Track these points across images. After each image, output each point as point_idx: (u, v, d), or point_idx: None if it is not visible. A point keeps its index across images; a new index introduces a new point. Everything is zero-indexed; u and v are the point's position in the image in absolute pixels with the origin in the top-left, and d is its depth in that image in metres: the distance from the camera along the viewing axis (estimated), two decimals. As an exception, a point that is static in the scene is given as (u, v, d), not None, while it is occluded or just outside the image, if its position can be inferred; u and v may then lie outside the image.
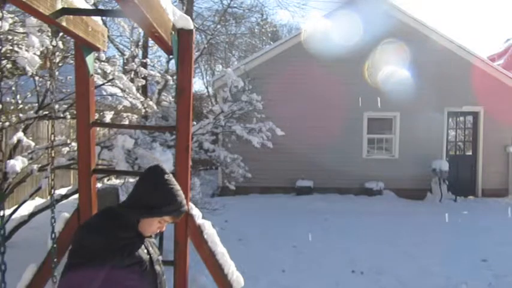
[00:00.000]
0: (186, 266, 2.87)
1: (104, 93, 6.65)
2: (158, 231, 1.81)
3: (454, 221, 8.34)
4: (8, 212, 5.96)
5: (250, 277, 4.58)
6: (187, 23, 2.69)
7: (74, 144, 5.36)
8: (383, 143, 11.22)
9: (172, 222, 1.82)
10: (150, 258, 1.78)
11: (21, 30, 4.07)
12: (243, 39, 22.14)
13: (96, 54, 3.86)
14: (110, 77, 5.56)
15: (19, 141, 4.63)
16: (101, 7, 11.15)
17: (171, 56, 2.90)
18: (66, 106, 5.40)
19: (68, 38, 4.18)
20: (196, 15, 16.99)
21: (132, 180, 6.49)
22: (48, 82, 4.89)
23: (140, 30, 13.75)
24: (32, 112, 5.16)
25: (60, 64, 5.08)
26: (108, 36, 3.24)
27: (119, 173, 5.22)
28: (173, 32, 2.61)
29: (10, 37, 4.12)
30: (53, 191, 2.61)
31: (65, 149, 5.69)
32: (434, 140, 10.81)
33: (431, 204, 10.10)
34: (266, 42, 21.99)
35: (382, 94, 10.19)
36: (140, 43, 15.13)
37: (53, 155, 2.71)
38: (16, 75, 4.89)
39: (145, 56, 14.35)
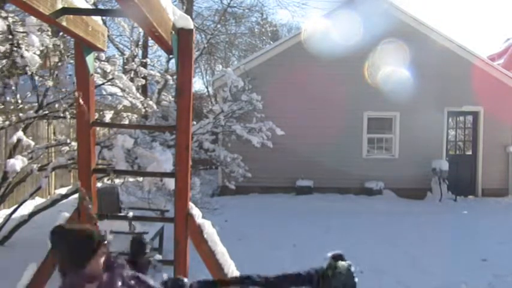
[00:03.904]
0: (186, 265, 2.87)
1: (104, 93, 6.65)
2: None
3: (454, 220, 8.35)
4: (8, 211, 5.97)
5: (250, 277, 4.57)
6: (187, 22, 2.69)
7: (74, 143, 5.36)
8: (383, 143, 11.22)
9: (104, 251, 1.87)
10: None
11: (21, 29, 4.07)
12: (243, 38, 22.14)
13: (96, 54, 3.86)
14: (110, 76, 5.56)
15: (19, 140, 4.63)
16: (100, 7, 11.15)
17: (171, 56, 2.90)
18: (66, 106, 5.39)
19: (68, 37, 4.17)
20: (196, 15, 16.99)
21: (131, 179, 6.49)
22: (49, 82, 4.89)
23: (140, 29, 13.75)
24: (31, 112, 5.16)
25: (60, 64, 5.07)
26: (108, 36, 3.23)
27: (118, 173, 5.21)
28: (173, 32, 2.61)
29: (10, 36, 4.11)
30: None
31: (65, 149, 5.70)
32: (434, 139, 10.80)
33: (431, 204, 10.10)
34: (266, 42, 21.98)
35: (382, 94, 10.18)
36: (140, 43, 15.13)
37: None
38: (16, 74, 4.89)
39: (145, 55, 14.35)
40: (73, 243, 1.78)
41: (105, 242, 1.85)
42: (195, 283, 2.05)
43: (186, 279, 2.04)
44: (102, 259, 1.83)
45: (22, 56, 2.32)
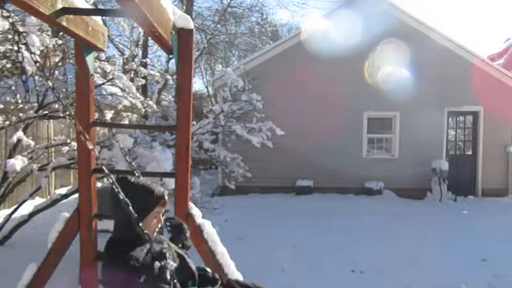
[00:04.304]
0: (186, 265, 2.87)
1: (104, 93, 6.65)
2: (159, 226, 1.94)
3: (454, 220, 8.34)
4: (8, 211, 5.97)
5: (250, 277, 4.57)
6: (188, 22, 2.69)
7: (74, 143, 5.36)
8: (383, 143, 11.22)
9: (164, 210, 1.97)
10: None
11: (21, 29, 4.06)
12: (243, 38, 22.13)
13: (96, 54, 3.86)
14: (110, 76, 5.56)
15: (19, 140, 4.63)
16: (100, 7, 11.15)
17: (171, 56, 2.90)
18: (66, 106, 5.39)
19: (68, 37, 4.17)
20: (196, 15, 16.99)
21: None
22: (49, 81, 4.88)
23: (140, 29, 13.76)
24: (31, 112, 5.15)
25: (60, 64, 5.07)
26: (108, 36, 3.22)
27: (118, 173, 5.21)
28: (173, 32, 2.61)
29: (10, 36, 4.11)
30: None
31: (65, 149, 5.70)
32: (434, 139, 10.80)
33: (431, 204, 10.10)
34: (266, 41, 21.97)
35: (382, 94, 10.18)
36: (140, 43, 15.14)
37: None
38: (16, 74, 4.89)
39: (145, 55, 14.36)
40: (134, 194, 1.83)
41: (164, 201, 1.92)
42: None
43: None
44: (157, 218, 1.90)
45: (32, 53, 2.31)
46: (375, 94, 10.35)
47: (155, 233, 1.90)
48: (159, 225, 1.94)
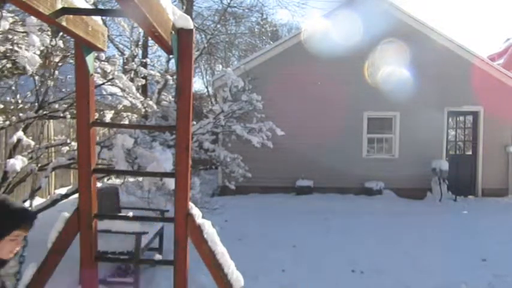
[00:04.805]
0: (186, 265, 2.87)
1: (104, 93, 6.64)
2: (16, 249, 1.83)
3: (454, 220, 8.35)
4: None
5: (250, 277, 4.58)
6: (187, 22, 2.69)
7: (74, 143, 5.36)
8: (383, 143, 11.22)
9: (24, 233, 1.84)
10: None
11: (21, 29, 4.06)
12: (243, 38, 22.16)
13: (96, 54, 3.86)
14: (110, 76, 5.56)
15: (19, 140, 4.63)
16: (100, 7, 11.16)
17: (171, 56, 2.90)
18: (66, 106, 5.40)
19: (68, 37, 4.17)
20: (196, 15, 17.00)
21: (132, 179, 6.50)
22: (49, 81, 4.89)
23: (140, 29, 13.76)
24: (31, 112, 5.15)
25: (60, 64, 5.08)
26: (108, 36, 3.22)
27: (118, 173, 5.21)
28: (173, 32, 2.61)
29: (10, 36, 4.11)
30: None
31: (65, 148, 5.70)
32: (434, 139, 10.81)
33: (431, 204, 10.11)
34: (266, 41, 21.98)
35: (382, 94, 10.19)
36: (140, 43, 15.15)
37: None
38: (16, 74, 4.89)
39: (145, 55, 14.37)
40: None
41: (26, 225, 1.82)
42: None
43: None
44: (16, 241, 1.78)
45: (14, 61, 2.32)
46: (375, 94, 10.36)
47: (11, 255, 1.82)
48: (17, 248, 1.84)
